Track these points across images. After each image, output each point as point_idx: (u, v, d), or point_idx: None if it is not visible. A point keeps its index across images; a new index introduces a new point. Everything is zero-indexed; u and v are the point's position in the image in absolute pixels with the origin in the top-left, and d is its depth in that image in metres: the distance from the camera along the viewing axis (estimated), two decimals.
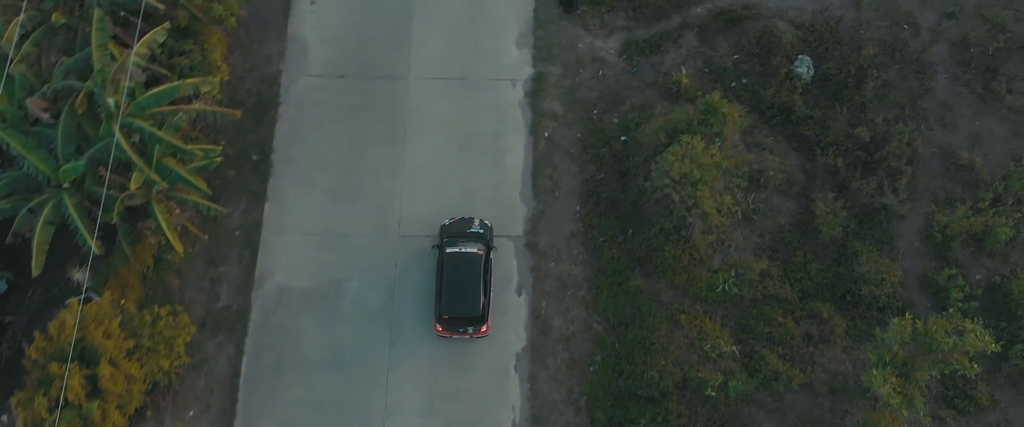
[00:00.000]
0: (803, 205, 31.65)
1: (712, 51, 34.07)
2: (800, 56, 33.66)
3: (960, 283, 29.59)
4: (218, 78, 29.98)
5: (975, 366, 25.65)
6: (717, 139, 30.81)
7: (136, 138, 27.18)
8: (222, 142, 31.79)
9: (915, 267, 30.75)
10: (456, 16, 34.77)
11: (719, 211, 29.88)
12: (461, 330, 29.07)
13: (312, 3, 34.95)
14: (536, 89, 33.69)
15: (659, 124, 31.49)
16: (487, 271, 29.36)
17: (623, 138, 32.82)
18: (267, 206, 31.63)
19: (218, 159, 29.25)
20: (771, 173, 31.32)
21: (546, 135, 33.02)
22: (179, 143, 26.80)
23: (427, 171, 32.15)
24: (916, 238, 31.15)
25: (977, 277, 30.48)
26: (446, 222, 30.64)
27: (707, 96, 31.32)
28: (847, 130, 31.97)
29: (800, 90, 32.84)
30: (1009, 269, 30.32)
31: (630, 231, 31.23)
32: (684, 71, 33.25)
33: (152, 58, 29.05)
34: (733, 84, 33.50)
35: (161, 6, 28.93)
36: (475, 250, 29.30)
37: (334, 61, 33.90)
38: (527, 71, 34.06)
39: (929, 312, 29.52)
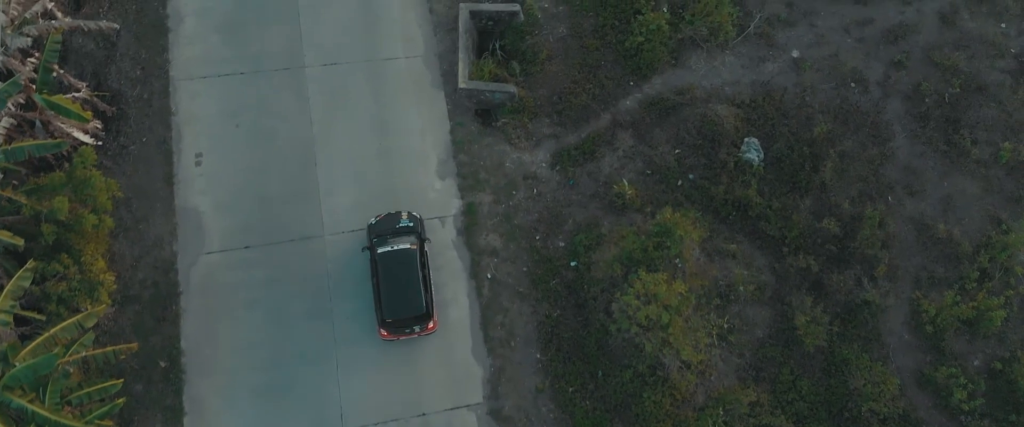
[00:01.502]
0: (779, 311, 28.85)
1: (651, 149, 30.81)
2: (746, 139, 30.66)
3: (961, 381, 27.20)
4: (102, 307, 25.65)
5: None
6: (677, 261, 27.76)
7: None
8: (125, 355, 27.54)
9: (909, 363, 28.29)
10: (365, 152, 30.78)
11: (695, 347, 26.92)
12: (407, 331, 27.93)
13: (197, 163, 30.59)
14: (469, 223, 30.06)
15: (612, 254, 28.25)
16: (425, 265, 28.26)
17: (573, 263, 29.50)
18: (186, 422, 27.58)
19: (120, 401, 25.12)
20: (741, 288, 28.40)
21: (489, 276, 29.50)
22: (70, 423, 22.54)
23: (364, 346, 28.37)
24: (904, 329, 28.65)
25: (975, 364, 28.16)
26: (372, 221, 29.07)
27: (658, 215, 28.16)
28: (813, 223, 29.16)
29: (753, 180, 29.88)
30: (1008, 352, 28.04)
31: (600, 374, 28.07)
32: (626, 183, 29.94)
33: (24, 304, 24.70)
34: (679, 183, 30.36)
35: (21, 243, 24.49)
36: (408, 246, 28.06)
37: (234, 231, 29.72)
38: (455, 204, 30.38)
39: (932, 412, 27.28)
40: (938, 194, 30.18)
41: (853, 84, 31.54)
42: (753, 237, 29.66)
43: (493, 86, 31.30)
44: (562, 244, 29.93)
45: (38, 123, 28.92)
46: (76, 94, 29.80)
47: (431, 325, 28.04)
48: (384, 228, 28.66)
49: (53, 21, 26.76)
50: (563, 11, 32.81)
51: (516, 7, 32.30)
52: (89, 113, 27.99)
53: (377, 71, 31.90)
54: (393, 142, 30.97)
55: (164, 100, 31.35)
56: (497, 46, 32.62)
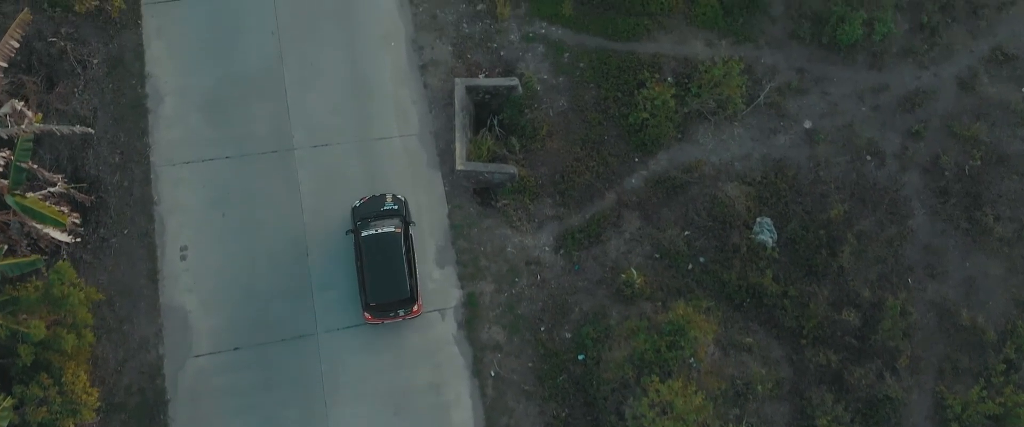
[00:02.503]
0: (798, 406, 27.53)
1: (659, 231, 29.36)
2: (758, 218, 29.26)
3: None
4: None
5: None
6: (692, 360, 26.44)
7: None
8: None
9: None
10: None
11: None
12: (392, 314, 27.74)
13: (182, 258, 29.01)
14: (470, 316, 28.60)
15: (623, 354, 26.88)
16: (409, 248, 28.13)
17: (580, 357, 28.12)
18: None
19: None
20: (759, 388, 27.07)
21: (493, 374, 28.09)
22: None
23: None
24: (929, 425, 27.44)
25: None
26: (357, 204, 28.73)
27: (670, 311, 26.81)
28: (831, 313, 27.81)
29: (767, 264, 28.49)
30: None
31: None
32: (634, 271, 28.49)
33: None
34: (690, 267, 28.96)
35: None
36: (393, 229, 27.82)
37: (223, 331, 28.18)
38: (455, 295, 28.91)
39: None
40: (960, 275, 28.85)
41: (869, 157, 30.12)
42: (769, 326, 28.31)
43: (492, 167, 29.77)
44: (569, 335, 28.53)
45: (13, 223, 27.39)
46: (51, 189, 28.20)
47: (416, 309, 27.83)
48: (368, 211, 28.40)
49: (22, 126, 25.12)
50: (563, 82, 31.23)
51: (514, 81, 30.69)
52: (65, 217, 26.42)
53: (370, 151, 30.30)
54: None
55: (145, 188, 29.73)
56: (495, 122, 31.06)
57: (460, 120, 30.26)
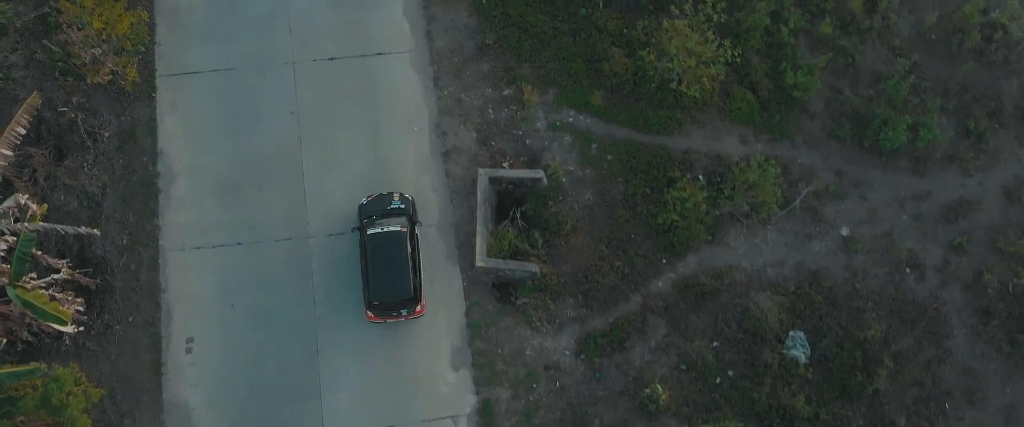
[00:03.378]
0: None
1: (686, 341, 28.07)
2: (791, 332, 27.95)
3: None
4: None
5: None
6: None
7: None
8: None
9: None
10: (371, 339, 28.06)
11: None
12: (394, 314, 27.57)
13: (188, 350, 27.86)
14: (484, 425, 27.41)
15: None
16: (415, 248, 27.94)
17: None
18: None
19: None
20: None
21: None
22: None
23: None
24: None
25: None
26: (364, 201, 28.59)
27: None
28: None
29: (799, 385, 27.18)
30: None
31: None
32: (659, 386, 27.20)
33: None
34: (718, 381, 27.66)
35: None
36: (398, 228, 27.64)
37: None
38: (470, 401, 27.64)
39: None
40: (1000, 402, 27.49)
41: (908, 270, 28.78)
42: None
43: (513, 265, 28.54)
44: None
45: (15, 311, 26.33)
46: (55, 275, 27.11)
47: (419, 309, 27.60)
48: (375, 209, 28.22)
49: (25, 223, 24.05)
50: (590, 175, 29.99)
51: (539, 173, 29.46)
52: (67, 313, 25.26)
53: None
54: (403, 328, 28.23)
55: (153, 274, 28.63)
56: (518, 213, 29.86)
57: (482, 213, 29.05)
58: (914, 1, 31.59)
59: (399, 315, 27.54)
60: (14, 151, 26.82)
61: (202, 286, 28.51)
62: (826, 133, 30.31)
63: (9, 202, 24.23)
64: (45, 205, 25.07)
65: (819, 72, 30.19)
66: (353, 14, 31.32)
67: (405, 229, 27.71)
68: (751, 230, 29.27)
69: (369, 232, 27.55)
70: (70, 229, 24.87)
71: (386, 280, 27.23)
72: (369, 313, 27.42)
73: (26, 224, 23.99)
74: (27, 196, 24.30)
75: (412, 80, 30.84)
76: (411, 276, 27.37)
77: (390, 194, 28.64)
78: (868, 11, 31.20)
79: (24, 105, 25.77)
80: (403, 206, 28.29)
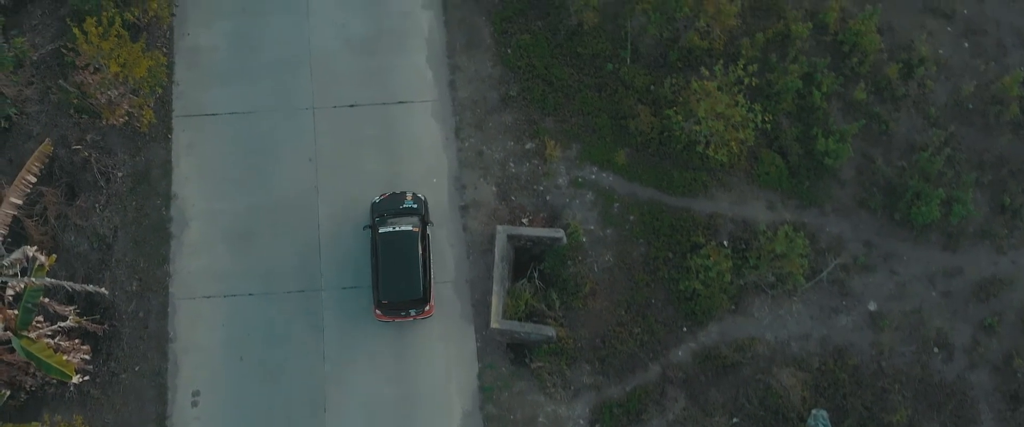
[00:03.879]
0: None
1: (705, 416, 27.26)
2: (813, 410, 27.10)
3: None
4: None
5: None
6: None
7: None
8: None
9: None
10: (381, 398, 27.31)
11: None
12: (403, 314, 27.50)
13: (194, 404, 27.24)
14: None
15: None
16: (426, 248, 27.82)
17: None
18: None
19: None
20: None
21: None
22: None
23: None
24: None
25: None
26: (376, 199, 28.51)
27: None
28: None
29: None
30: None
31: None
32: None
33: None
34: None
35: None
36: (410, 227, 27.54)
37: None
38: None
39: None
40: None
41: (936, 349, 27.91)
42: None
43: (529, 328, 27.79)
44: None
45: (21, 361, 25.77)
46: (62, 323, 26.54)
47: (428, 309, 27.54)
48: (387, 208, 28.17)
49: (32, 278, 23.46)
50: (611, 235, 29.22)
51: (559, 233, 28.69)
52: (72, 367, 24.64)
53: None
54: (414, 387, 27.54)
55: (161, 322, 28.02)
56: (536, 272, 29.14)
57: (499, 272, 28.33)
58: (951, 68, 30.73)
59: (408, 315, 27.44)
60: (24, 199, 26.34)
61: (211, 337, 27.89)
62: (856, 202, 29.45)
63: (17, 254, 23.66)
64: (53, 256, 24.44)
65: (851, 139, 29.36)
66: (376, 61, 30.69)
67: (417, 229, 27.57)
68: (776, 301, 28.43)
69: (381, 231, 27.44)
70: (78, 286, 24.26)
71: (396, 279, 27.13)
72: (378, 312, 27.37)
73: (33, 279, 23.38)
74: (35, 248, 23.70)
75: (433, 130, 30.19)
76: (421, 277, 27.25)
77: (403, 193, 28.55)
78: (904, 77, 30.35)
79: (36, 152, 25.26)
80: (416, 206, 28.16)
